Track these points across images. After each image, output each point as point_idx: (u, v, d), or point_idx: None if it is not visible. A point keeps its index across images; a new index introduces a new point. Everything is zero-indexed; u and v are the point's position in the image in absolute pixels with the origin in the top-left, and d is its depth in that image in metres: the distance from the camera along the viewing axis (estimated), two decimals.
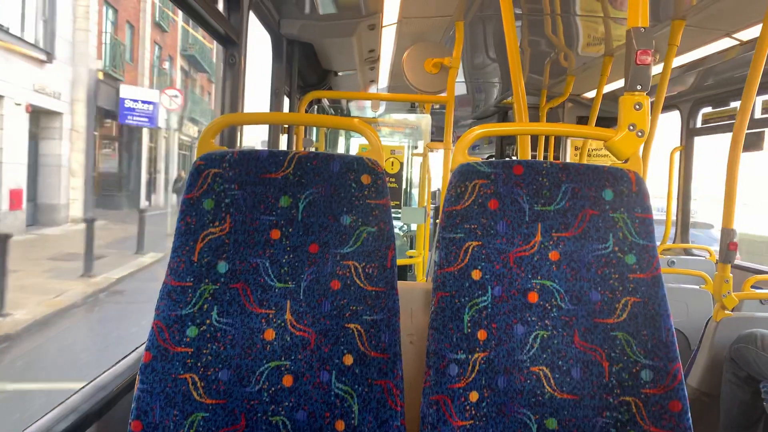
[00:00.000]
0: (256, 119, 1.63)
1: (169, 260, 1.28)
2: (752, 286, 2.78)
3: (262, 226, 1.30)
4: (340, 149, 6.88)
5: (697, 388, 2.54)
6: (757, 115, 3.79)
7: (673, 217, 4.64)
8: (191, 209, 1.29)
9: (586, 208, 1.33)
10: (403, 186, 5.82)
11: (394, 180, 5.33)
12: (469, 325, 1.28)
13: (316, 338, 1.25)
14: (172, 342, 1.23)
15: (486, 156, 8.04)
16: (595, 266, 1.31)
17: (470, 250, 1.31)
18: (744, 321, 2.47)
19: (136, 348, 1.67)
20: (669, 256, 3.93)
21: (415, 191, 6.19)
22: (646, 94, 1.39)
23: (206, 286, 1.26)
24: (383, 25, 3.19)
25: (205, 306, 1.25)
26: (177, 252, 1.28)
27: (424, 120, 5.63)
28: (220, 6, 2.14)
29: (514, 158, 6.18)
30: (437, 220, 1.45)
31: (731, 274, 2.45)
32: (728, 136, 2.53)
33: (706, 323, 2.60)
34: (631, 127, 1.37)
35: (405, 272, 5.58)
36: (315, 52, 3.49)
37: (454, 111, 3.33)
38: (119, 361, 1.60)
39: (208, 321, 1.25)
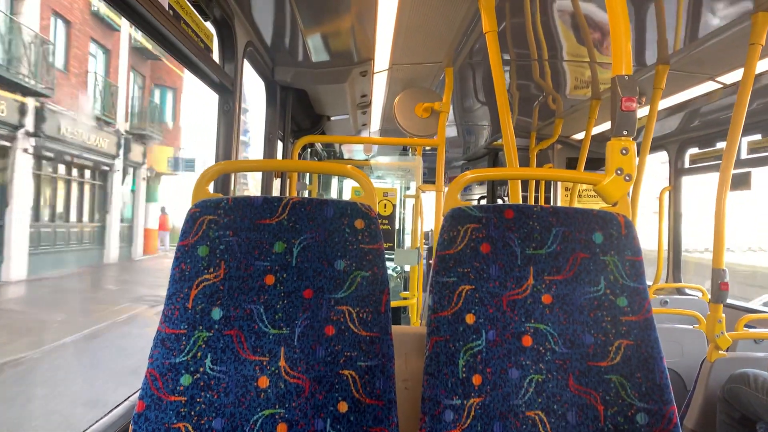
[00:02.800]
0: (250, 166, 1.66)
1: (164, 307, 1.28)
2: (745, 325, 2.79)
3: (256, 271, 1.31)
4: (333, 191, 6.93)
5: (693, 429, 2.52)
6: (743, 155, 3.87)
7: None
8: (186, 256, 1.30)
9: (577, 251, 1.35)
10: (396, 227, 5.85)
11: (386, 222, 5.36)
12: (464, 369, 1.28)
13: (310, 385, 1.25)
14: (165, 391, 1.22)
15: (478, 196, 8.10)
16: (588, 309, 1.32)
17: (464, 293, 1.32)
18: (738, 361, 2.48)
19: (129, 397, 1.66)
20: (662, 296, 3.94)
21: (407, 233, 6.22)
22: (633, 138, 1.43)
23: (200, 333, 1.26)
24: (375, 71, 3.26)
25: (199, 353, 1.25)
26: (171, 299, 1.28)
27: (416, 162, 5.70)
28: (215, 55, 2.19)
29: (505, 198, 6.20)
30: (430, 261, 1.46)
31: (723, 314, 2.46)
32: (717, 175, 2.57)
33: (701, 364, 2.59)
34: (619, 172, 1.40)
35: (399, 314, 5.56)
36: (308, 97, 3.56)
37: (446, 152, 3.38)
38: (112, 410, 1.58)
39: (201, 369, 1.24)
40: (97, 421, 1.50)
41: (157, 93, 20.64)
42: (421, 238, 4.83)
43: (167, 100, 21.04)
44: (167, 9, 1.69)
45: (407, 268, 5.02)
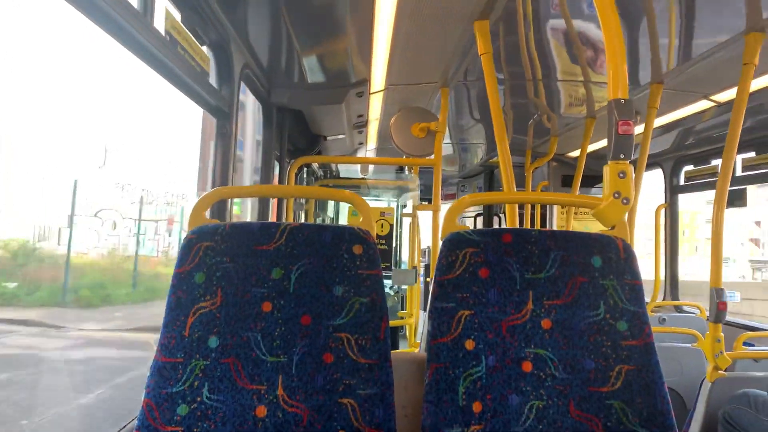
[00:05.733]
0: (248, 192, 1.65)
1: (160, 336, 1.26)
2: (744, 342, 2.78)
3: (253, 298, 1.30)
4: (330, 210, 6.92)
5: None
6: (738, 173, 3.88)
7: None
8: (182, 283, 1.29)
9: (576, 275, 1.34)
10: (393, 245, 5.83)
11: (383, 242, 5.35)
12: (464, 397, 1.26)
13: (309, 414, 1.23)
14: (162, 421, 1.20)
15: (474, 213, 8.11)
16: (588, 333, 1.31)
17: (463, 319, 1.31)
18: (738, 381, 2.46)
19: (125, 425, 1.63)
20: (660, 314, 3.93)
21: (405, 251, 6.20)
22: (630, 159, 1.43)
23: (197, 362, 1.25)
24: (371, 92, 3.27)
25: (196, 383, 1.23)
26: (168, 327, 1.26)
27: (413, 181, 5.71)
28: (212, 79, 2.20)
29: (501, 215, 6.16)
30: (428, 278, 1.45)
31: (722, 333, 2.45)
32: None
33: (701, 384, 2.58)
34: (617, 195, 1.40)
35: (396, 333, 5.53)
36: (305, 118, 3.56)
37: (442, 170, 3.38)
38: None
39: (199, 398, 1.23)
40: None
41: None
42: (419, 257, 4.82)
43: None
44: (164, 35, 1.69)
45: (405, 287, 5.01)
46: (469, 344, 1.29)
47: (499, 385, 1.28)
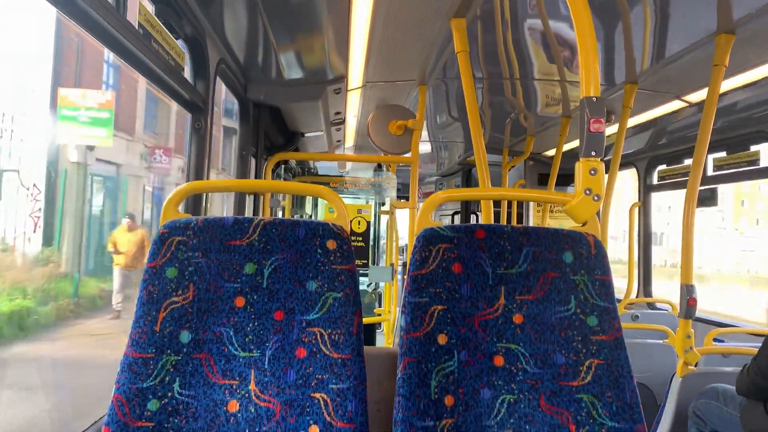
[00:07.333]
0: (222, 186, 1.64)
1: (131, 331, 1.25)
2: (714, 339, 2.84)
3: (226, 293, 1.29)
4: (308, 208, 6.90)
5: None
6: (710, 172, 3.96)
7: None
8: (154, 278, 1.28)
9: (548, 270, 1.36)
10: (371, 243, 5.83)
11: (360, 239, 5.35)
12: (436, 391, 1.27)
13: (281, 409, 1.23)
14: (132, 416, 1.19)
15: (452, 212, 8.14)
16: (559, 328, 1.33)
17: (435, 314, 1.32)
18: (707, 376, 2.51)
19: (95, 422, 1.61)
20: (633, 311, 3.99)
21: (382, 249, 6.20)
22: (603, 155, 1.45)
23: (168, 357, 1.24)
24: (349, 89, 3.27)
25: (167, 378, 1.23)
26: (138, 322, 1.25)
27: (390, 179, 5.71)
28: (187, 73, 2.18)
29: (479, 213, 6.22)
30: (405, 276, 1.46)
31: (693, 329, 2.50)
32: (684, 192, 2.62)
33: (671, 379, 2.62)
34: (588, 192, 1.42)
35: (373, 330, 5.53)
36: (282, 114, 3.55)
37: (420, 168, 3.39)
38: None
39: (170, 394, 1.22)
40: None
41: None
42: (396, 254, 4.82)
43: None
44: (137, 28, 1.67)
45: (382, 284, 5.01)
46: (442, 339, 1.30)
47: (471, 379, 1.29)
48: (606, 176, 2.90)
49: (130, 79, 13.60)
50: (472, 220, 6.91)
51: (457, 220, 7.54)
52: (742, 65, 2.52)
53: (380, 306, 5.32)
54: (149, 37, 1.76)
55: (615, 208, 3.54)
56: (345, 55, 2.69)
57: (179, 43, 2.07)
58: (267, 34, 2.35)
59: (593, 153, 1.42)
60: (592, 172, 1.42)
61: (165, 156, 15.02)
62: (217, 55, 2.38)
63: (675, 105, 3.29)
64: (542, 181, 5.37)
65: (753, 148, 3.68)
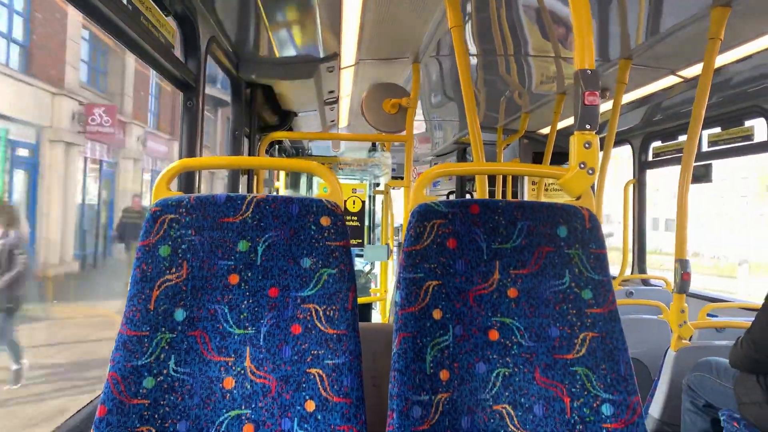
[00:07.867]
0: (214, 164, 1.63)
1: (125, 309, 1.25)
2: (708, 314, 2.86)
3: (220, 271, 1.29)
4: (302, 188, 6.89)
5: (658, 418, 2.58)
6: (704, 148, 3.95)
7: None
8: (147, 256, 1.27)
9: (542, 245, 1.36)
10: (366, 223, 5.83)
11: (355, 218, 5.34)
12: (431, 365, 1.28)
13: (276, 385, 1.23)
14: (128, 394, 1.19)
15: (447, 192, 8.14)
16: (553, 302, 1.33)
17: (430, 289, 1.32)
18: (701, 350, 2.53)
19: (91, 401, 1.62)
20: (627, 287, 4.01)
21: (378, 228, 6.20)
22: (597, 131, 1.44)
23: (163, 335, 1.24)
24: (342, 67, 3.24)
25: (162, 355, 1.23)
26: (132, 300, 1.25)
27: (385, 158, 5.69)
28: (177, 51, 2.15)
29: (474, 193, 6.20)
30: (400, 256, 1.46)
31: (686, 304, 2.52)
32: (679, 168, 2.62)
33: (665, 353, 2.65)
34: (582, 165, 1.41)
35: (369, 310, 5.55)
36: (274, 93, 3.52)
37: (415, 148, 3.38)
38: (73, 415, 1.54)
39: (165, 371, 1.22)
40: (57, 428, 1.46)
41: None
42: (392, 234, 4.82)
43: None
44: (126, 4, 1.65)
45: (377, 264, 5.02)
46: (437, 314, 1.31)
47: (466, 354, 1.29)
48: (601, 153, 2.89)
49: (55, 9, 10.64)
50: None
51: (452, 198, 7.52)
52: (738, 38, 2.51)
53: (376, 286, 5.34)
54: (138, 14, 1.73)
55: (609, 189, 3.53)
56: (338, 31, 2.66)
57: (169, 20, 2.04)
58: (258, 11, 2.32)
59: (588, 126, 1.42)
60: (587, 145, 1.41)
61: (107, 118, 11.80)
62: (208, 33, 2.36)
63: (670, 80, 3.27)
64: (537, 159, 5.36)
65: (747, 123, 3.68)
